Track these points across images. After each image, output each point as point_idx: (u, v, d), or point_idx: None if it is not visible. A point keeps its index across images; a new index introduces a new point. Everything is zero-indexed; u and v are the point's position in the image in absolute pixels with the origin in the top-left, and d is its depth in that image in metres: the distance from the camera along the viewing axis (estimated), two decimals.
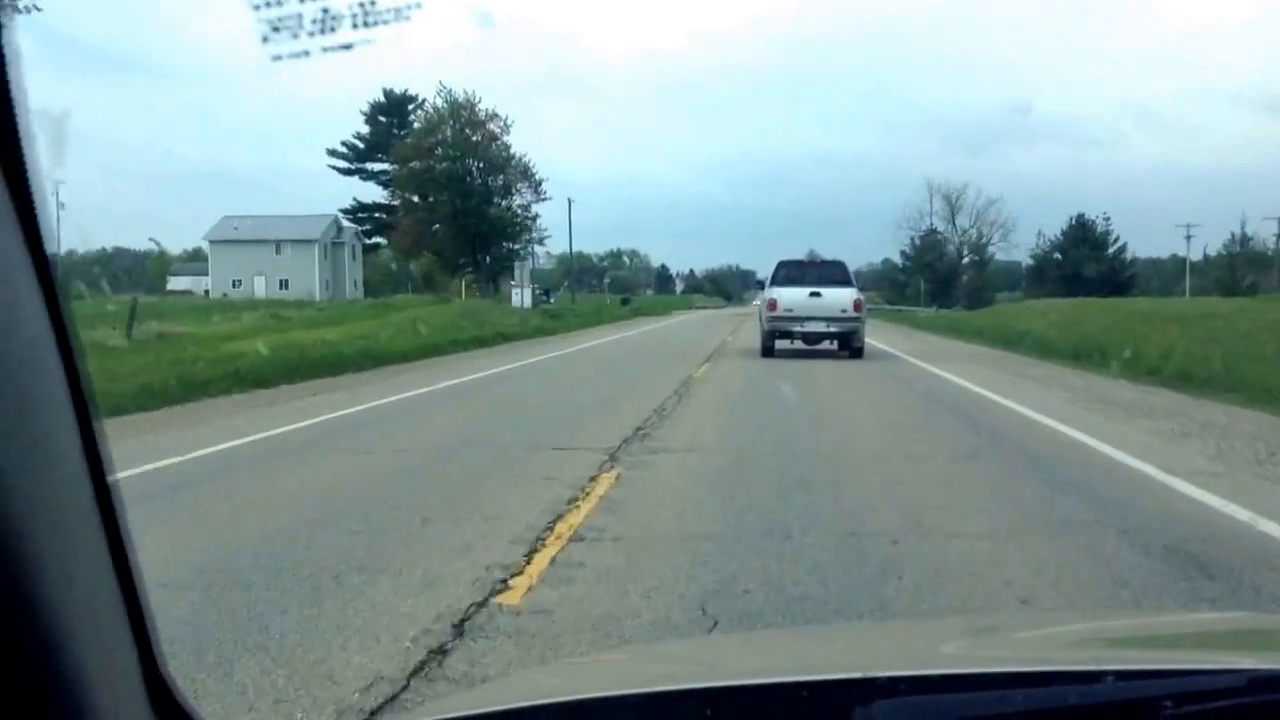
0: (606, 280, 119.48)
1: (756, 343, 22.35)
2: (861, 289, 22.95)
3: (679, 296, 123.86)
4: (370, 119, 74.15)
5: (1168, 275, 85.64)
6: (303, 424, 10.56)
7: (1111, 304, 40.85)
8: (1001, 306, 49.64)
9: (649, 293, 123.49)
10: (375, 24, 1.21)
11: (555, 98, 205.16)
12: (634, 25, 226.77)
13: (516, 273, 48.46)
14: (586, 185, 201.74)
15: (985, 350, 25.38)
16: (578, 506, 6.54)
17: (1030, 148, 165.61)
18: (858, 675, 1.17)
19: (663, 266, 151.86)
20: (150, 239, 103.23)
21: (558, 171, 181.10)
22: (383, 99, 73.73)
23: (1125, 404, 12.70)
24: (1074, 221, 70.07)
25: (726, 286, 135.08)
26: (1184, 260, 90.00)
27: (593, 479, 7.46)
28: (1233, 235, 69.43)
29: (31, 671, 0.78)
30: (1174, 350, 17.90)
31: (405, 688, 3.49)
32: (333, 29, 1.19)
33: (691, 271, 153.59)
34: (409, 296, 51.31)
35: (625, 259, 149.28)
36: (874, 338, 29.62)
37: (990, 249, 78.61)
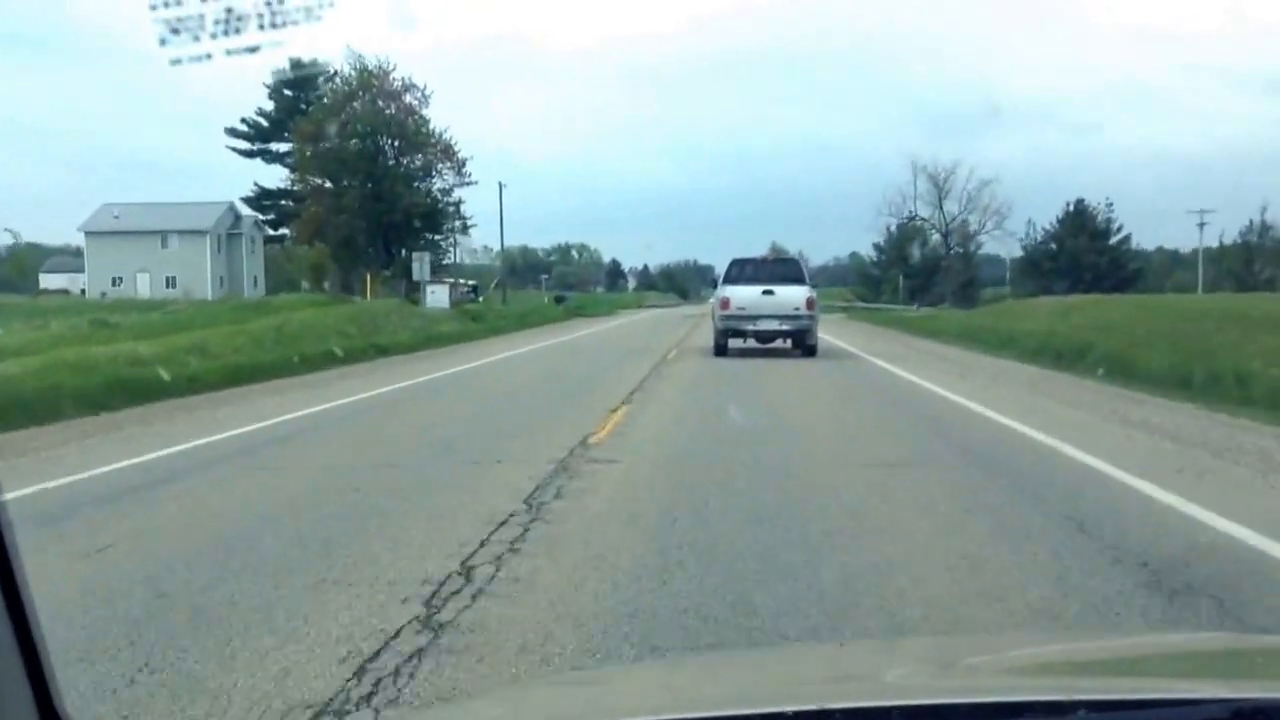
0: (545, 277, 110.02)
1: (706, 362, 19.40)
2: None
3: (630, 294, 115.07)
4: (275, 93, 64.81)
5: (1156, 268, 78.65)
6: None
7: (1140, 301, 33.61)
8: (1002, 304, 42.22)
9: (599, 290, 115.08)
10: (284, 25, 1.31)
11: (501, 78, 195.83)
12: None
13: (415, 268, 39.94)
14: (535, 175, 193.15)
15: (1036, 371, 17.58)
16: None
17: (1015, 134, 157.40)
18: (813, 707, 1.12)
19: (614, 261, 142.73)
20: (6, 229, 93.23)
21: (502, 160, 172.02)
22: (288, 70, 64.80)
23: None
24: (1071, 209, 62.11)
25: (683, 283, 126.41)
26: (1173, 252, 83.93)
27: None
28: (1251, 223, 62.20)
29: None
30: None
31: None
32: (238, 30, 1.27)
33: (645, 267, 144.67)
34: (297, 296, 43.09)
35: (574, 253, 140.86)
36: (871, 351, 21.82)
37: (981, 238, 68.55)
